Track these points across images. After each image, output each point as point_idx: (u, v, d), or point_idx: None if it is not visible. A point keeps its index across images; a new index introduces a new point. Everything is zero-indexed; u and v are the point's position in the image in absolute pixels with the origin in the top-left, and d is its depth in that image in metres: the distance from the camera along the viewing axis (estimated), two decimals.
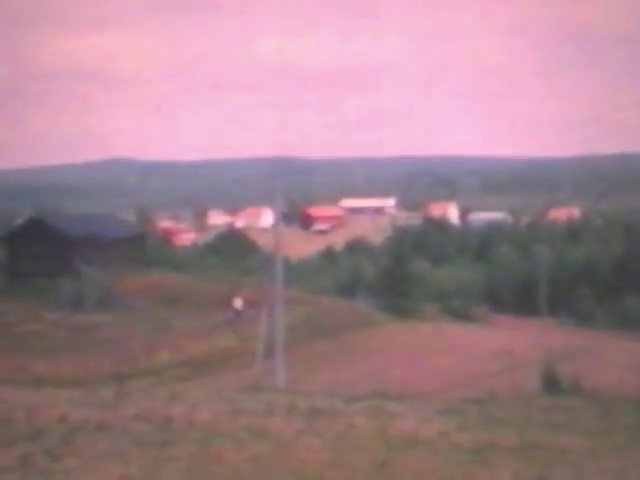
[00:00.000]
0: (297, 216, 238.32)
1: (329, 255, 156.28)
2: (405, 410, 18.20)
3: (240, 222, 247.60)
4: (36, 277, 75.24)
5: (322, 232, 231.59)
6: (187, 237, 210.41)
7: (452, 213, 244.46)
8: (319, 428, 15.73)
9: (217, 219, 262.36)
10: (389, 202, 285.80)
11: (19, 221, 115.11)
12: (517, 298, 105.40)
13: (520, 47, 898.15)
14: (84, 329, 61.56)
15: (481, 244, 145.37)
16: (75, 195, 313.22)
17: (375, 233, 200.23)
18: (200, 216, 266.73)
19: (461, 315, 79.41)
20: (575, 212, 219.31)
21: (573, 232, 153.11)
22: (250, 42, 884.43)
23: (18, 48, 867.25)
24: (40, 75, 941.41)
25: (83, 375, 43.43)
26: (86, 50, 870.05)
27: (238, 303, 61.44)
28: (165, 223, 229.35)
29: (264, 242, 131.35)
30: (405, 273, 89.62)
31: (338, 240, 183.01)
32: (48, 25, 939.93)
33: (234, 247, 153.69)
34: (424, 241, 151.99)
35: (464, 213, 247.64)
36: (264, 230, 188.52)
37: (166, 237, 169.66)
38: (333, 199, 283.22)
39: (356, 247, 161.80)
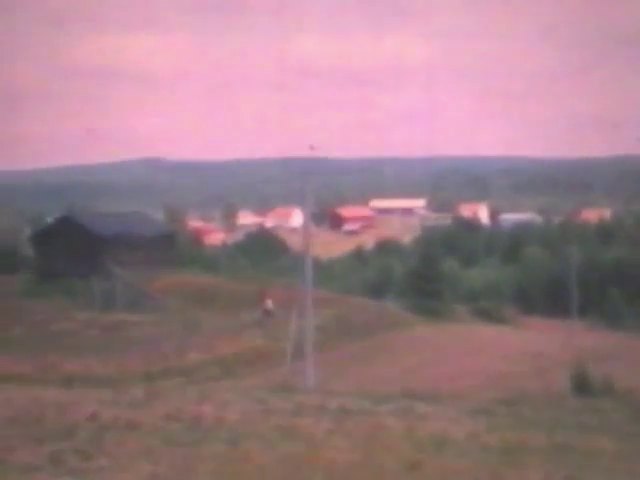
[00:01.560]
0: (327, 216, 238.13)
1: (359, 255, 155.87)
2: (434, 410, 18.18)
3: (270, 222, 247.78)
4: (67, 276, 75.54)
5: (352, 232, 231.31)
6: (217, 237, 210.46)
7: (482, 214, 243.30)
8: (348, 428, 15.73)
9: (247, 219, 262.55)
10: (419, 203, 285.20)
11: (50, 220, 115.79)
12: (547, 299, 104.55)
13: (551, 47, 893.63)
14: (115, 328, 61.93)
15: (511, 245, 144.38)
16: (106, 194, 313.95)
17: (405, 233, 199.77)
18: (230, 216, 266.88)
19: (491, 316, 79.07)
20: (606, 213, 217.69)
21: (604, 233, 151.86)
22: (281, 42, 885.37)
23: (51, 47, 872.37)
24: (72, 75, 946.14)
25: (114, 374, 43.66)
26: (117, 50, 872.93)
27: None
28: (195, 223, 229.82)
29: (294, 242, 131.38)
30: (435, 274, 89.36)
31: (368, 240, 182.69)
32: (81, 25, 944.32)
33: (264, 247, 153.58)
34: (454, 242, 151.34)
35: (494, 213, 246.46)
36: (294, 230, 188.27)
37: (196, 237, 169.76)
38: (363, 199, 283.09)
39: (386, 247, 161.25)
